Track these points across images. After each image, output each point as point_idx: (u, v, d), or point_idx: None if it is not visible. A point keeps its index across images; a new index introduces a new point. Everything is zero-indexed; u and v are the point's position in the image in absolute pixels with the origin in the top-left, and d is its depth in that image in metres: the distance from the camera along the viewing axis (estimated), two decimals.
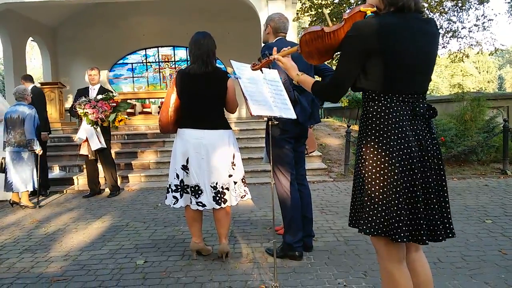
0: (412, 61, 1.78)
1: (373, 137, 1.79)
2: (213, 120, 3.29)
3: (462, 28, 15.71)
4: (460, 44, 15.89)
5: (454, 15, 15.78)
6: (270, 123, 2.89)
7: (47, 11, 12.60)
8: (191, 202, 3.28)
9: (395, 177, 1.73)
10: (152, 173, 7.48)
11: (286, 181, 3.36)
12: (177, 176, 3.30)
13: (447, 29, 15.80)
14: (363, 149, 1.82)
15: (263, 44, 3.63)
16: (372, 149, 1.79)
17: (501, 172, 6.89)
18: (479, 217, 4.41)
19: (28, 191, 5.72)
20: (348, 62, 1.83)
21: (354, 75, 1.83)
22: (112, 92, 6.29)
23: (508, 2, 15.45)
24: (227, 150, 3.28)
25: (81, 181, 7.24)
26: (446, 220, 1.84)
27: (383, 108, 1.79)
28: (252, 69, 2.61)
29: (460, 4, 15.15)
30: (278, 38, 3.50)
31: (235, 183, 3.34)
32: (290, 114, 2.83)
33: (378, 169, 1.77)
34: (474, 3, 15.58)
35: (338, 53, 2.00)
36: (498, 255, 3.33)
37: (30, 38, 13.75)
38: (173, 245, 3.87)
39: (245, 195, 3.41)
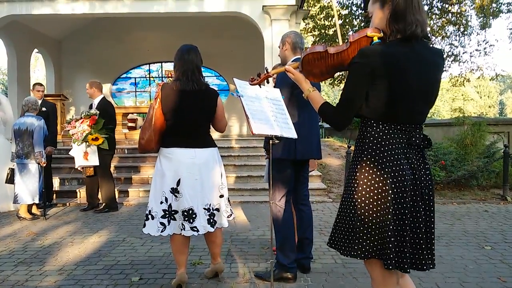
0: (414, 92, 1.77)
1: (368, 163, 1.79)
2: (202, 138, 3.14)
3: (463, 53, 15.96)
4: (462, 69, 16.09)
5: (456, 39, 15.99)
6: (271, 142, 2.87)
7: (53, 23, 12.73)
8: (183, 229, 2.97)
9: (387, 204, 1.73)
10: None
11: (279, 201, 3.33)
12: (166, 200, 3.01)
13: (449, 53, 15.97)
14: (357, 174, 1.82)
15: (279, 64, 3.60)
16: (366, 174, 1.79)
17: (501, 198, 6.86)
18: (478, 243, 4.38)
19: (29, 204, 5.70)
20: (354, 89, 1.81)
21: (361, 101, 1.81)
22: (109, 107, 6.28)
23: (510, 29, 15.62)
24: (217, 169, 3.17)
25: (83, 194, 7.24)
26: (429, 251, 1.83)
27: (380, 134, 1.79)
28: (251, 84, 2.53)
29: (462, 29, 15.33)
30: (295, 58, 3.43)
31: (224, 203, 3.24)
32: (291, 133, 2.83)
33: (371, 194, 1.77)
34: (476, 29, 15.78)
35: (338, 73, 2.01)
36: (497, 282, 3.29)
37: (35, 50, 13.86)
38: (169, 263, 3.83)
39: (231, 215, 3.29)
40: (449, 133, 9.40)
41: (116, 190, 6.64)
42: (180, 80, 3.06)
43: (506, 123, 10.98)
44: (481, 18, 15.30)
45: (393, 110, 1.77)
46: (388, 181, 1.74)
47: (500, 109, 52.01)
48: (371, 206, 1.76)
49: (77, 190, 7.30)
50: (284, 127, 2.81)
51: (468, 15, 15.52)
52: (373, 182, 1.76)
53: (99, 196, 6.58)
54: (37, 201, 5.69)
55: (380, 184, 1.75)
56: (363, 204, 1.78)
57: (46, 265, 3.81)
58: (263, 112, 2.76)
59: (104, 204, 6.25)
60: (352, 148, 7.93)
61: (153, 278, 3.44)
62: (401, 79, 1.74)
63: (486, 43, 15.57)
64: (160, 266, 3.75)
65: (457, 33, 15.79)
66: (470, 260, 3.82)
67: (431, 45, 1.87)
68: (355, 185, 1.82)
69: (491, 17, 15.10)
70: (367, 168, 1.79)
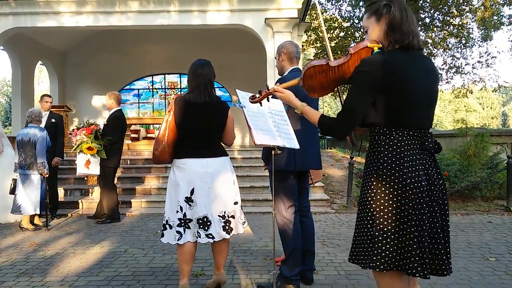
0: (420, 97, 1.82)
1: (385, 171, 1.79)
2: (213, 148, 3.21)
3: (465, 64, 15.95)
4: (464, 80, 16.10)
5: (458, 51, 16.04)
6: (273, 153, 2.88)
7: (57, 36, 12.85)
8: (199, 236, 3.05)
9: (409, 210, 1.74)
10: (153, 199, 7.45)
11: (286, 212, 3.31)
12: (181, 209, 3.08)
13: (451, 65, 16.03)
14: (374, 183, 1.81)
15: (278, 76, 3.60)
16: (384, 183, 1.78)
17: (505, 209, 6.81)
18: (482, 254, 4.34)
19: (31, 214, 5.71)
20: (359, 97, 1.83)
21: (364, 110, 1.84)
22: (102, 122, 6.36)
23: (511, 41, 15.67)
24: (230, 177, 3.23)
25: (85, 205, 7.25)
26: (447, 256, 1.83)
27: (395, 142, 1.80)
28: (251, 102, 2.48)
29: (463, 41, 15.40)
30: (292, 68, 3.46)
31: (238, 209, 3.28)
32: (293, 144, 2.84)
33: (390, 202, 1.76)
34: (478, 41, 15.84)
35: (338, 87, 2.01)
36: None
37: (39, 62, 13.97)
38: (171, 274, 3.81)
39: (244, 222, 3.34)
40: (452, 144, 9.38)
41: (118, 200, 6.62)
42: (193, 93, 3.14)
43: (509, 134, 10.96)
44: (483, 31, 15.37)
45: (404, 115, 1.80)
46: (407, 188, 1.74)
47: (502, 120, 51.98)
48: (390, 215, 1.76)
49: (80, 201, 7.30)
50: (286, 137, 2.82)
51: (469, 27, 15.60)
52: (391, 189, 1.76)
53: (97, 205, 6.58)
54: (38, 212, 5.70)
55: (400, 192, 1.75)
56: (382, 214, 1.77)
57: (48, 276, 3.80)
58: (265, 122, 2.77)
59: (106, 214, 6.24)
60: (355, 159, 7.94)
61: None
62: (406, 85, 1.79)
63: (488, 55, 15.63)
64: (162, 277, 3.73)
65: (459, 45, 15.86)
66: (474, 271, 3.79)
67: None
68: (373, 195, 1.81)
69: (492, 30, 15.16)
70: (384, 177, 1.78)
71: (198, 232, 3.06)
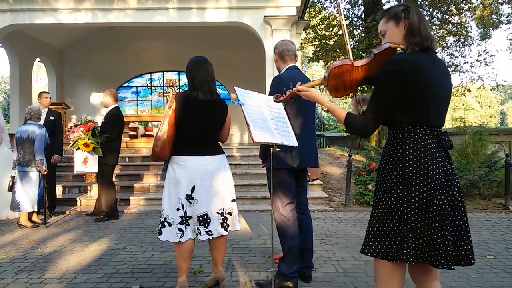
0: (440, 96, 1.90)
1: (411, 169, 1.84)
2: (212, 145, 3.21)
3: (464, 63, 15.91)
4: (462, 79, 16.08)
5: (456, 50, 16.02)
6: (272, 150, 2.87)
7: (55, 33, 12.83)
8: (199, 233, 3.05)
9: (434, 207, 1.80)
10: (151, 196, 7.45)
11: (284, 210, 3.31)
12: (182, 206, 3.05)
13: (449, 64, 16.02)
14: (400, 180, 1.85)
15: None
16: (410, 180, 1.83)
17: (503, 207, 6.84)
18: (480, 252, 4.35)
19: (30, 211, 5.72)
20: (386, 96, 1.88)
21: (389, 108, 1.89)
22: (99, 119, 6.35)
23: (510, 39, 15.68)
24: (228, 175, 3.25)
25: (84, 202, 7.25)
26: (471, 245, 1.91)
27: (419, 140, 1.86)
28: (276, 101, 2.46)
29: (462, 40, 15.40)
30: (288, 66, 3.47)
31: (235, 207, 3.29)
32: (292, 141, 2.83)
33: (417, 199, 1.81)
34: (476, 39, 15.84)
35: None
36: None
37: (38, 59, 13.94)
38: (169, 271, 3.81)
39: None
40: None
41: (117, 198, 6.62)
42: (199, 91, 3.11)
43: (507, 132, 10.96)
44: (481, 29, 15.37)
45: (427, 113, 1.87)
46: (432, 185, 1.80)
47: (501, 119, 52.06)
48: (416, 210, 1.81)
49: (78, 198, 7.30)
50: (285, 135, 2.82)
51: (468, 26, 15.58)
52: (417, 187, 1.81)
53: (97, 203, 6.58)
54: (36, 209, 5.69)
55: (425, 189, 1.81)
56: (409, 209, 1.82)
57: (46, 273, 3.80)
58: (264, 120, 2.77)
59: (104, 212, 6.23)
60: (354, 157, 7.94)
61: (153, 287, 3.42)
62: (430, 84, 1.86)
63: (486, 54, 15.61)
64: (161, 274, 3.73)
65: (458, 44, 15.84)
66: (472, 269, 3.79)
67: None
68: (398, 191, 1.85)
69: (491, 28, 15.16)
70: (411, 174, 1.83)
71: (198, 229, 3.06)
